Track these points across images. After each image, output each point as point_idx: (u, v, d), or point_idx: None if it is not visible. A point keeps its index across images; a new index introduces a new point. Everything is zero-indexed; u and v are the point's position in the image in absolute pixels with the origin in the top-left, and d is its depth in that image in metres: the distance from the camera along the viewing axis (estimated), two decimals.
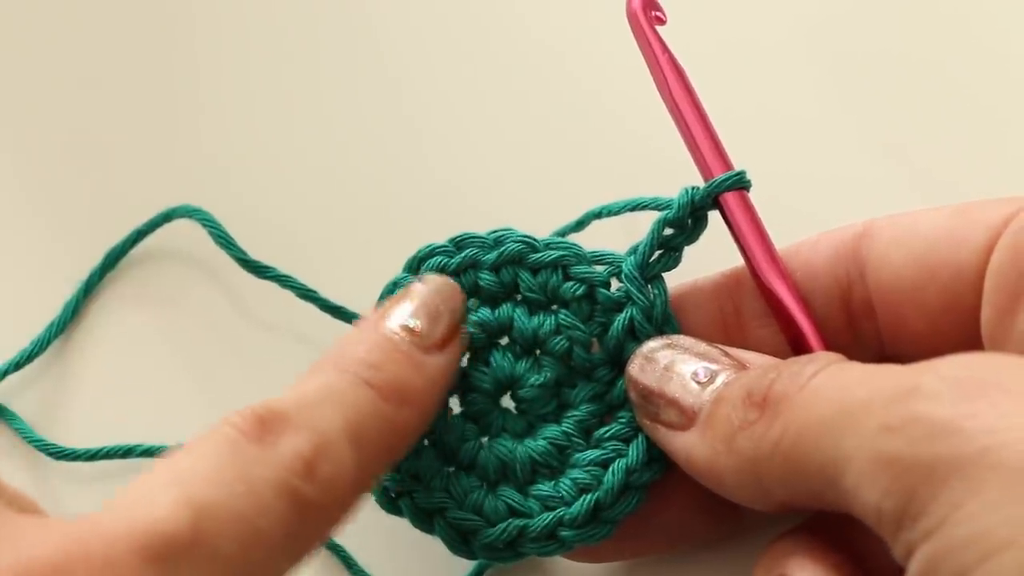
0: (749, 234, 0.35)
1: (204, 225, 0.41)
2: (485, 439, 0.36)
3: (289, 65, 0.46)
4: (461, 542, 0.35)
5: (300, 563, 0.28)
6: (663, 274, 0.36)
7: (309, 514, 0.28)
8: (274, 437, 0.28)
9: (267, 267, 0.40)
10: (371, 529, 0.39)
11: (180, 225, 0.42)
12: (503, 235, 0.36)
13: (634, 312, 0.35)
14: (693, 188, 0.35)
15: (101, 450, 0.40)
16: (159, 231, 0.43)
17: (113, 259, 0.43)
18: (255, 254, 0.40)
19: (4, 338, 0.42)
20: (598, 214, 0.39)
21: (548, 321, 0.36)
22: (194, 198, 0.42)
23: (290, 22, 0.47)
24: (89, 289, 0.43)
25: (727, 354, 0.33)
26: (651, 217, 0.36)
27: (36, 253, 0.44)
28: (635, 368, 0.34)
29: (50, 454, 0.40)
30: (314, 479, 0.28)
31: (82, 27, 0.47)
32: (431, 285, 0.34)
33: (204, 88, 0.46)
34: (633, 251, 0.36)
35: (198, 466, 0.27)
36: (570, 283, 0.35)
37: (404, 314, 0.33)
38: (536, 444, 0.35)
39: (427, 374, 0.32)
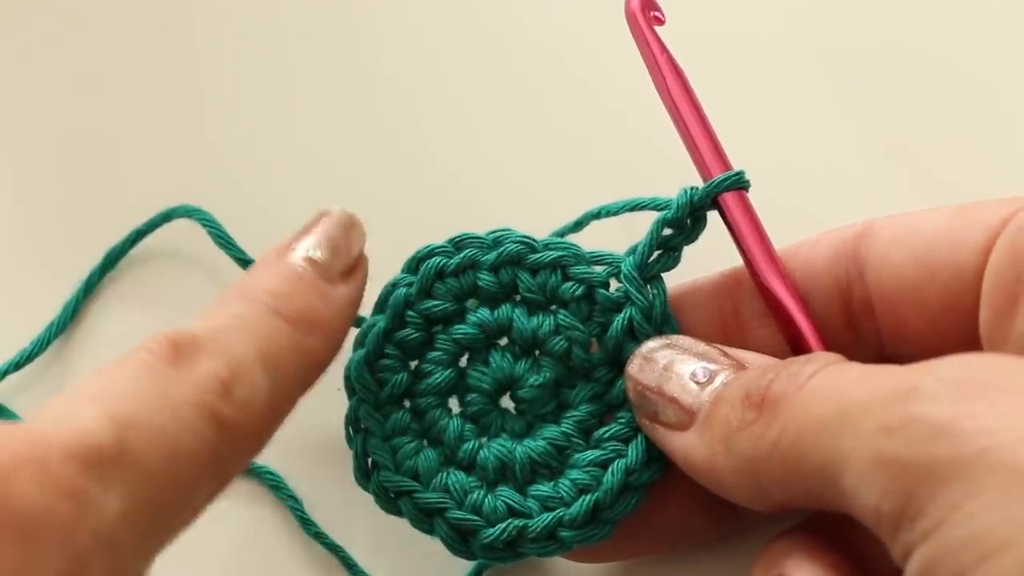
0: (748, 234, 0.35)
1: (204, 225, 0.41)
2: (484, 439, 0.36)
3: (289, 65, 0.46)
4: (460, 542, 0.35)
5: (222, 487, 0.29)
6: (662, 274, 0.36)
7: (228, 434, 0.28)
8: (189, 361, 0.28)
9: None
10: (371, 530, 0.39)
11: (180, 225, 0.42)
12: (502, 235, 0.36)
13: (633, 312, 0.35)
14: (692, 188, 0.35)
15: None
16: (159, 231, 0.43)
17: (113, 259, 0.43)
18: (254, 254, 0.40)
19: (4, 338, 0.42)
20: (597, 214, 0.39)
21: (547, 321, 0.36)
22: (194, 198, 0.42)
23: (290, 22, 0.47)
24: (89, 289, 0.43)
25: (726, 354, 0.33)
26: (650, 217, 0.36)
27: (36, 253, 0.44)
28: (634, 368, 0.34)
29: None
30: (231, 400, 0.28)
31: (82, 27, 0.47)
32: (332, 219, 0.34)
33: (204, 88, 0.46)
34: (632, 251, 0.36)
35: (117, 386, 0.27)
36: (569, 283, 0.35)
37: (306, 246, 0.33)
38: (535, 444, 0.35)
39: (333, 303, 0.32)
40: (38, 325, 0.42)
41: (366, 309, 0.37)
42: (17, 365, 0.41)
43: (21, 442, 0.25)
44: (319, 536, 0.39)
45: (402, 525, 0.35)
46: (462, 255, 0.36)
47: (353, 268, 0.34)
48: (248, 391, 0.29)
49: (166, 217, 0.42)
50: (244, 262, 0.40)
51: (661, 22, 0.37)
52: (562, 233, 0.40)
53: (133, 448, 0.26)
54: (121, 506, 0.25)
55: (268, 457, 0.39)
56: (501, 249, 0.36)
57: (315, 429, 0.40)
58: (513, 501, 0.35)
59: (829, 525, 0.31)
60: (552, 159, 0.44)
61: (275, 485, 0.40)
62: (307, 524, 0.39)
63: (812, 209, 0.41)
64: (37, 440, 0.25)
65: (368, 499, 0.36)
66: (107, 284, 0.43)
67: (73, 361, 0.42)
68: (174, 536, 0.28)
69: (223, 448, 0.28)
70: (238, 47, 0.47)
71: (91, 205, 0.44)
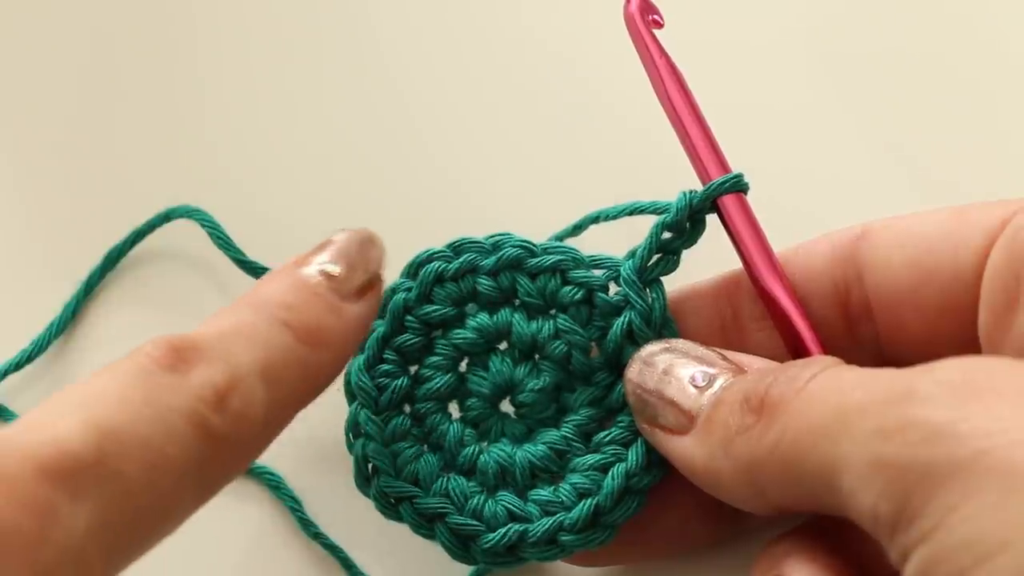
0: (747, 237, 0.35)
1: (203, 226, 0.41)
2: (484, 444, 0.36)
3: (289, 66, 0.46)
4: (461, 547, 0.35)
5: (206, 499, 0.28)
6: (661, 278, 0.36)
7: (216, 446, 0.27)
8: (186, 366, 0.28)
9: (265, 268, 0.40)
10: (371, 534, 0.39)
11: (179, 225, 0.42)
12: (501, 240, 0.36)
13: (632, 316, 0.35)
14: (691, 192, 0.35)
15: None
16: (158, 231, 0.43)
17: (113, 259, 0.43)
18: (254, 255, 0.40)
19: (4, 338, 0.42)
20: (596, 218, 0.39)
21: (547, 326, 0.36)
22: (193, 198, 0.42)
23: (290, 23, 0.47)
24: (89, 289, 0.43)
25: (725, 358, 0.33)
26: (649, 221, 0.36)
27: (36, 253, 0.44)
28: (634, 372, 0.34)
29: None
30: (224, 411, 0.27)
31: (82, 27, 0.47)
32: (352, 235, 0.33)
33: (204, 88, 0.46)
34: (631, 255, 0.36)
35: (107, 390, 0.26)
36: (568, 287, 0.35)
37: (322, 260, 0.32)
38: (535, 449, 0.35)
39: (344, 320, 0.31)
40: (38, 325, 0.42)
41: None
42: (17, 365, 0.41)
43: None
44: (319, 537, 0.39)
45: (402, 527, 0.35)
46: (461, 260, 0.36)
47: (369, 287, 0.33)
48: (243, 403, 0.28)
49: (166, 217, 0.42)
50: (243, 263, 0.40)
51: (660, 25, 0.37)
52: (561, 237, 0.40)
53: (111, 457, 0.25)
54: (91, 519, 0.25)
55: (268, 457, 0.39)
56: (500, 253, 0.36)
57: (316, 430, 0.40)
58: (513, 506, 0.35)
59: (828, 528, 0.31)
60: (551, 163, 0.44)
61: (275, 485, 0.40)
62: (307, 525, 0.39)
63: (811, 211, 0.41)
64: (5, 451, 0.24)
65: (368, 501, 0.36)
66: (107, 284, 0.43)
67: (73, 361, 0.42)
68: (149, 547, 0.27)
69: (209, 460, 0.27)
70: (238, 48, 0.47)
71: (91, 205, 0.44)
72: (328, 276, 0.32)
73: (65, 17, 0.47)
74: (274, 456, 0.39)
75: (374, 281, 0.33)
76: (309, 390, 0.31)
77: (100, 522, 0.25)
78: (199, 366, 0.28)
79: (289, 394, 0.30)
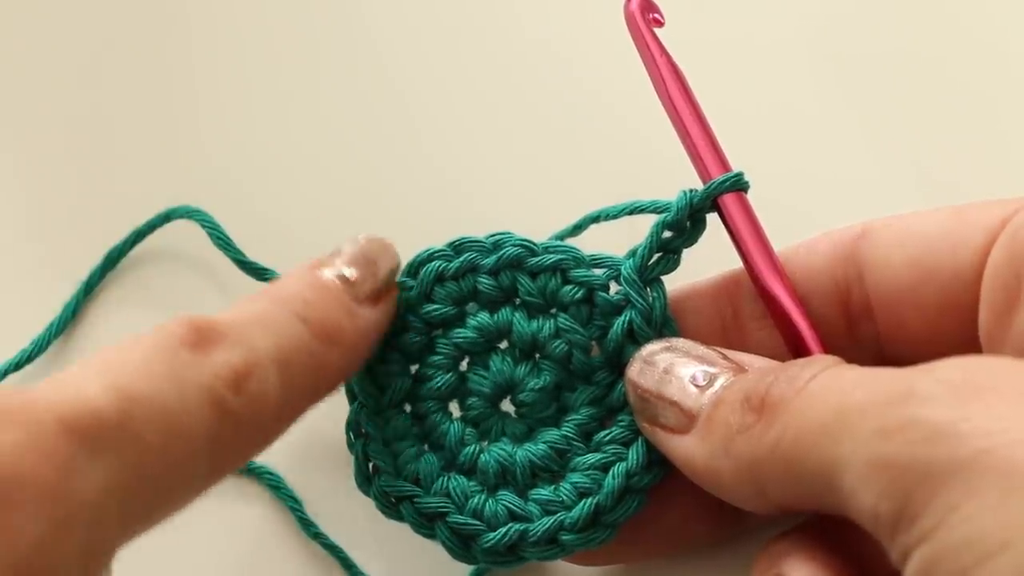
0: (747, 236, 0.35)
1: (203, 226, 0.41)
2: (485, 443, 0.36)
3: (289, 66, 0.46)
4: (461, 547, 0.35)
5: (216, 479, 0.29)
6: (662, 277, 0.36)
7: (231, 425, 0.28)
8: (208, 346, 0.29)
9: (265, 269, 0.40)
10: (371, 531, 0.39)
11: (179, 226, 0.42)
12: (502, 239, 0.36)
13: (633, 315, 0.35)
14: (691, 190, 0.35)
15: None
16: (159, 231, 0.43)
17: (113, 259, 0.43)
18: (254, 255, 0.41)
19: (4, 338, 0.42)
20: (596, 217, 0.39)
21: (547, 325, 0.36)
22: (193, 198, 0.42)
23: (289, 23, 0.47)
24: (89, 289, 0.43)
25: (726, 357, 0.33)
26: (650, 220, 0.36)
27: (36, 253, 0.44)
28: (634, 371, 0.34)
29: None
30: (241, 392, 0.28)
31: (82, 27, 0.47)
32: (368, 242, 0.34)
33: (204, 89, 0.46)
34: (632, 254, 0.36)
35: (131, 360, 0.27)
36: (569, 287, 0.35)
37: (340, 263, 0.33)
38: (536, 448, 0.35)
39: (357, 322, 0.32)
40: (38, 325, 0.42)
41: None
42: (17, 365, 0.42)
43: (14, 403, 0.25)
44: (319, 537, 0.39)
45: (403, 527, 0.35)
46: (462, 259, 0.36)
47: (383, 294, 0.34)
48: (259, 387, 0.29)
49: (166, 218, 0.42)
50: (243, 263, 0.40)
51: (660, 24, 0.37)
52: (562, 236, 0.40)
53: (133, 421, 0.26)
54: (108, 478, 0.25)
55: (268, 457, 0.39)
56: (501, 253, 0.36)
57: (316, 430, 0.40)
58: (514, 505, 0.35)
59: (828, 527, 0.31)
60: (551, 162, 0.44)
61: (275, 485, 0.40)
62: (307, 525, 0.39)
63: (812, 210, 0.41)
64: (30, 403, 0.25)
65: (368, 500, 0.36)
66: (107, 284, 0.43)
67: (73, 361, 0.42)
68: (161, 518, 0.28)
69: (223, 438, 0.28)
70: (238, 48, 0.47)
71: (91, 205, 0.44)
72: (344, 279, 0.33)
73: (65, 17, 0.47)
74: (274, 456, 0.39)
75: (390, 288, 0.34)
76: (319, 386, 0.32)
77: (117, 482, 0.26)
78: (219, 347, 0.29)
79: (302, 386, 0.31)
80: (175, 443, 0.27)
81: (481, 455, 0.35)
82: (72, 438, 0.25)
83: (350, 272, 0.33)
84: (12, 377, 0.41)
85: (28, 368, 0.42)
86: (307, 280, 0.32)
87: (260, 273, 0.40)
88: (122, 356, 0.27)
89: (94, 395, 0.26)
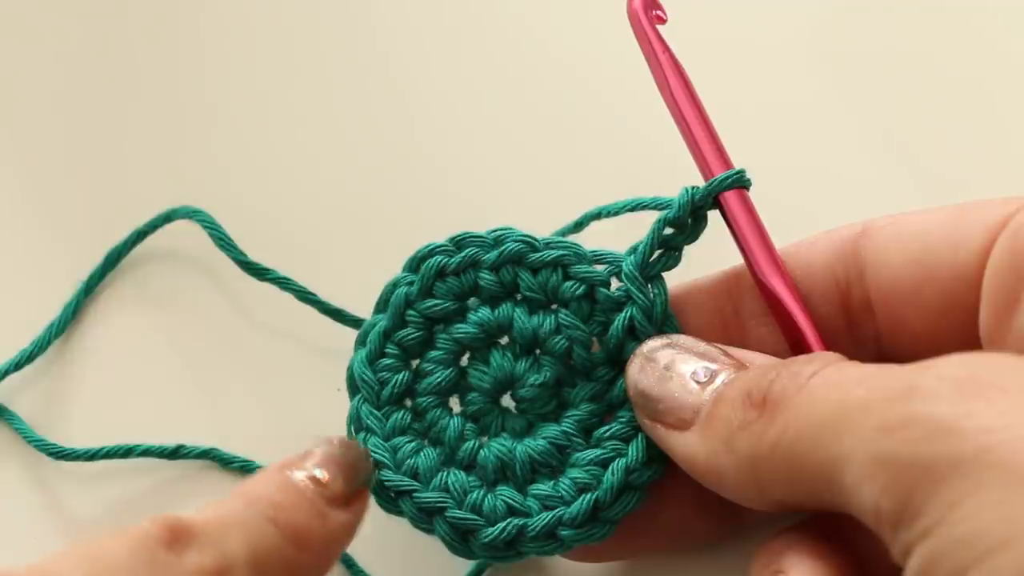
0: (749, 233, 0.35)
1: (204, 226, 0.41)
2: (485, 438, 0.36)
3: (290, 66, 0.47)
4: (460, 542, 0.35)
5: None
6: (663, 273, 0.36)
7: None
8: (182, 548, 0.28)
9: (266, 269, 0.40)
10: (371, 529, 0.38)
11: (180, 226, 0.42)
12: (503, 234, 0.36)
13: (634, 311, 0.35)
14: (693, 187, 0.35)
15: (101, 450, 0.40)
16: (159, 232, 0.43)
17: (113, 259, 0.43)
18: (255, 255, 0.41)
19: (4, 338, 0.42)
20: (598, 214, 0.39)
21: (548, 320, 0.36)
22: (194, 199, 0.42)
23: (291, 23, 0.47)
24: (89, 289, 0.43)
25: (727, 353, 0.33)
26: (651, 217, 0.36)
27: (36, 253, 0.44)
28: (635, 368, 0.34)
29: (50, 454, 0.40)
30: None
31: (83, 27, 0.47)
32: (339, 444, 0.33)
33: (205, 89, 0.46)
34: (633, 250, 0.36)
35: (112, 556, 0.27)
36: (570, 282, 0.35)
37: (311, 464, 0.32)
38: (536, 443, 0.35)
39: (329, 526, 0.32)
40: (38, 325, 0.42)
41: (367, 310, 0.37)
42: (17, 365, 0.41)
43: None
44: None
45: (402, 524, 0.35)
46: (463, 254, 0.36)
47: (355, 497, 0.33)
48: None
49: (167, 218, 0.42)
50: (244, 263, 0.40)
51: (663, 21, 0.37)
52: (563, 233, 0.40)
53: None
54: None
55: (268, 457, 0.39)
56: (502, 248, 0.36)
57: (316, 429, 0.40)
58: (513, 500, 0.35)
59: (829, 524, 0.31)
60: (553, 158, 0.44)
61: None
62: None
63: (812, 208, 0.41)
64: None
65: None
66: (107, 284, 0.43)
67: (73, 361, 0.42)
68: None
69: None
70: (239, 48, 0.47)
71: (92, 205, 0.44)
72: (316, 480, 0.32)
73: (67, 18, 0.47)
74: (274, 456, 0.39)
75: (361, 492, 0.33)
76: None
77: None
78: (193, 549, 0.28)
79: None
80: None
81: (480, 450, 0.35)
82: None
83: (322, 473, 0.32)
84: (12, 377, 0.41)
85: (28, 368, 0.42)
86: (278, 482, 0.32)
87: (261, 273, 0.40)
88: (106, 551, 0.27)
89: None
